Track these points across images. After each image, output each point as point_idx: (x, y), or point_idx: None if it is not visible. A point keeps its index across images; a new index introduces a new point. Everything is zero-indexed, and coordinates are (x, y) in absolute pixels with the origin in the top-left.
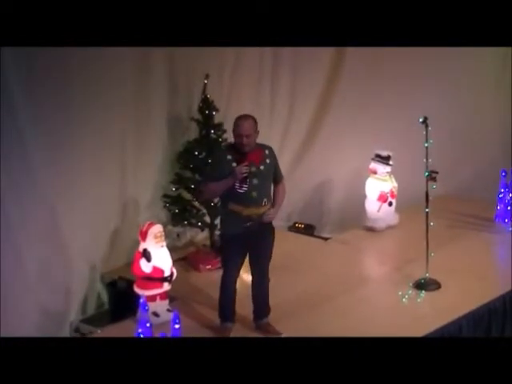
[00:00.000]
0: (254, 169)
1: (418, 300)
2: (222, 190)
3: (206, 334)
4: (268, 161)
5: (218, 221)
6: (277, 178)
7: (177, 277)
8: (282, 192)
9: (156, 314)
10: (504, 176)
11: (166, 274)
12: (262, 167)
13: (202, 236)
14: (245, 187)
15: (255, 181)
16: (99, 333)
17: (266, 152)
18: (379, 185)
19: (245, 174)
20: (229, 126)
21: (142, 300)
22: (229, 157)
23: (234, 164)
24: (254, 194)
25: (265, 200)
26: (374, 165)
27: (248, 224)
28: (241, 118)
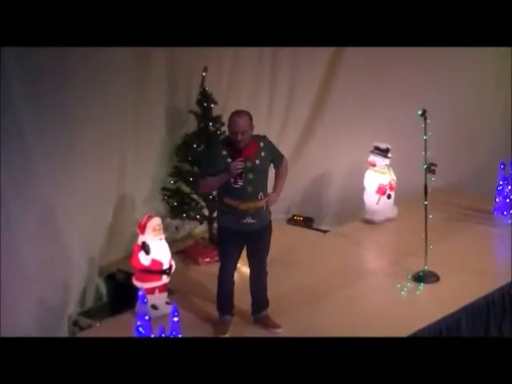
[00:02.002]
0: (249, 164)
1: (417, 292)
2: (218, 185)
3: (204, 327)
4: (263, 154)
5: (216, 214)
6: (276, 161)
7: (175, 270)
8: (283, 174)
9: (155, 307)
10: (503, 168)
11: (165, 266)
12: (257, 161)
13: (200, 229)
14: (240, 182)
15: (250, 175)
16: (98, 326)
17: (261, 144)
18: (378, 177)
19: (240, 170)
20: (227, 119)
21: (140, 293)
22: (224, 152)
23: (229, 160)
24: (250, 188)
25: (261, 194)
26: (372, 157)
27: (245, 219)
28: (235, 115)
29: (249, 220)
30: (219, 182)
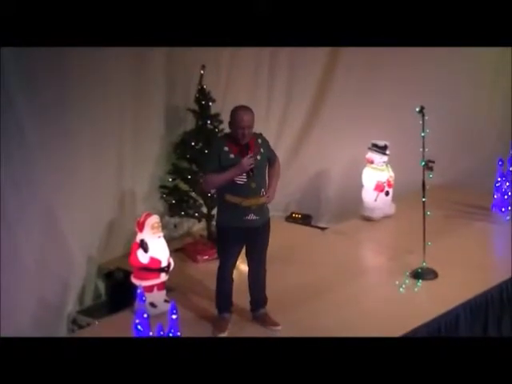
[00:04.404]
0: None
1: (415, 289)
2: (226, 181)
3: (203, 325)
4: (262, 150)
5: (215, 211)
6: (271, 158)
7: (174, 267)
8: (277, 171)
9: (153, 305)
10: (501, 165)
11: (163, 264)
12: (258, 157)
13: (199, 227)
14: (244, 178)
15: (254, 171)
16: (96, 324)
17: (259, 141)
18: (376, 174)
19: (251, 166)
20: (225, 117)
21: (139, 291)
22: (226, 148)
23: (232, 156)
24: (253, 184)
25: (263, 190)
26: (370, 154)
27: (248, 216)
28: (241, 110)
29: (252, 216)
30: (228, 177)
